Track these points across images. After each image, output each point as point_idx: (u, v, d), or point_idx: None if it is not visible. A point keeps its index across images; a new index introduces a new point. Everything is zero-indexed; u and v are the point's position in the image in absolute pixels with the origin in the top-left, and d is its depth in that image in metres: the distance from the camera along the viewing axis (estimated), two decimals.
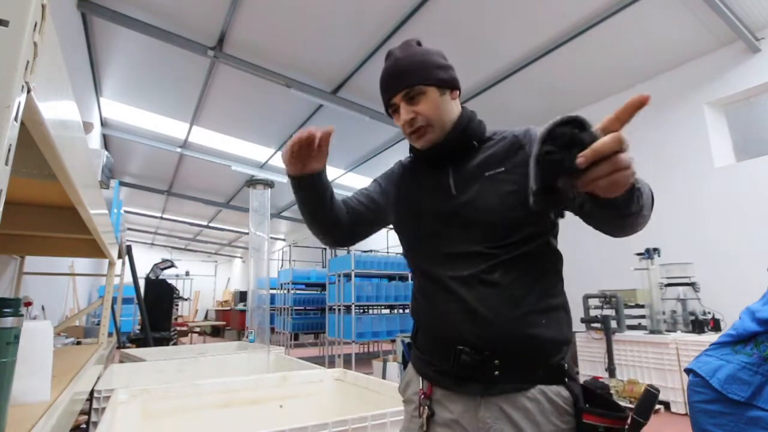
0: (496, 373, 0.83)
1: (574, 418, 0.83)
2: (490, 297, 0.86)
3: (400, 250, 1.28)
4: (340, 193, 1.02)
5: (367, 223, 1.07)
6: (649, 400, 0.86)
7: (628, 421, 0.81)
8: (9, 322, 0.73)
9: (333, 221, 1.00)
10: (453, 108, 0.98)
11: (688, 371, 1.31)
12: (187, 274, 14.67)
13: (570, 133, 0.60)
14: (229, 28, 4.46)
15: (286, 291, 8.73)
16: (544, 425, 0.81)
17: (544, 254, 0.92)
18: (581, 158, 0.58)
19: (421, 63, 0.95)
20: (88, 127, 2.85)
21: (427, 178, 1.03)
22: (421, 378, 0.96)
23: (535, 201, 0.66)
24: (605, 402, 0.86)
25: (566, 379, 0.85)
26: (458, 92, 0.99)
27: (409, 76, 0.93)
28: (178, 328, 9.04)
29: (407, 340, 1.10)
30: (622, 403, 3.79)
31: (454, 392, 0.89)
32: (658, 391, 0.87)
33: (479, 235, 0.90)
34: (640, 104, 0.59)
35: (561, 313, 0.90)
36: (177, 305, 9.44)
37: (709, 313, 4.12)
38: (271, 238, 8.99)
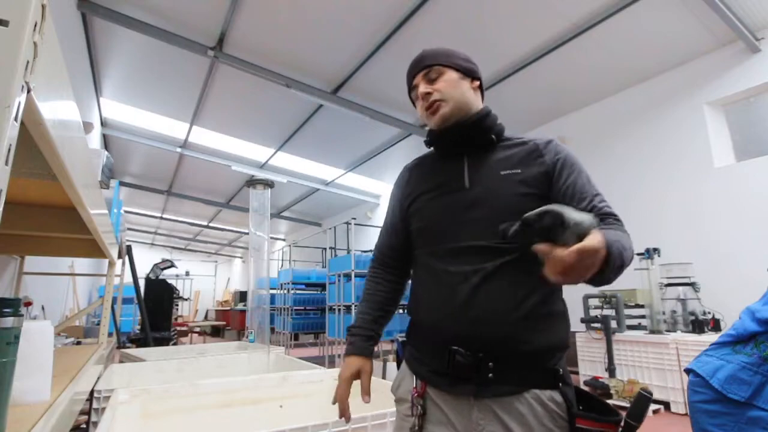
0: (490, 375, 0.83)
1: (567, 423, 0.82)
2: (489, 297, 0.85)
3: None
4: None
5: (410, 250, 1.10)
6: (643, 404, 0.85)
7: (622, 424, 0.81)
8: (9, 322, 0.73)
9: (400, 294, 1.17)
10: (473, 96, 1.02)
11: (688, 371, 1.31)
12: (187, 274, 14.67)
13: (568, 227, 0.67)
14: (229, 28, 4.46)
15: (286, 291, 8.72)
16: (536, 429, 0.81)
17: None
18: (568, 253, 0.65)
19: (444, 51, 1.04)
20: (88, 127, 2.85)
21: (440, 170, 1.03)
22: (414, 376, 0.96)
23: (512, 226, 0.76)
24: (601, 406, 0.85)
25: (560, 384, 0.85)
26: (479, 83, 1.04)
27: (431, 57, 1.02)
28: (178, 328, 9.03)
29: (402, 338, 1.11)
30: (622, 403, 3.80)
31: (447, 392, 0.88)
32: (651, 395, 0.86)
33: (488, 230, 0.89)
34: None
35: (560, 322, 0.90)
36: (177, 305, 9.44)
37: (709, 313, 4.12)
38: (271, 238, 8.99)
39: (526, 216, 0.69)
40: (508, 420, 0.81)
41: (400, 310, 7.35)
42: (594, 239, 0.65)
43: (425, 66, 1.01)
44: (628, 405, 3.94)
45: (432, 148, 1.09)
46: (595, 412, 0.83)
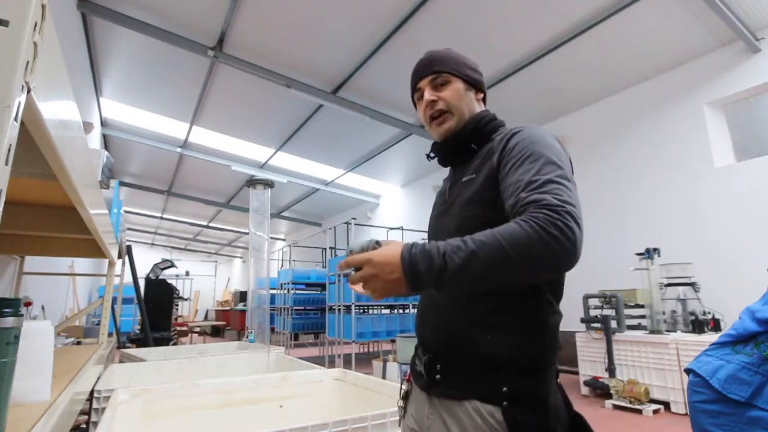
0: (437, 376, 0.87)
1: None
2: (440, 301, 0.90)
3: None
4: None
5: None
6: None
7: None
8: (9, 322, 0.73)
9: None
10: (477, 108, 1.01)
11: (688, 371, 1.31)
12: (187, 274, 14.67)
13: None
14: (229, 28, 4.46)
15: (286, 291, 8.73)
16: None
17: None
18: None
19: (454, 58, 1.00)
20: (88, 127, 2.85)
21: (443, 186, 1.09)
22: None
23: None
24: None
25: (505, 403, 0.78)
26: (483, 95, 1.03)
27: (440, 63, 0.99)
28: (178, 328, 9.04)
29: None
30: (622, 403, 3.80)
31: (415, 384, 0.97)
32: None
33: (448, 237, 0.89)
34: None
35: (524, 333, 0.82)
36: (177, 305, 9.44)
37: (709, 313, 4.12)
38: (271, 238, 8.99)
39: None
40: (450, 422, 0.83)
41: (401, 310, 7.35)
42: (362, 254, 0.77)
43: (434, 71, 0.98)
44: (628, 405, 3.95)
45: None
46: None
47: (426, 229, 1.14)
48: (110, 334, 3.01)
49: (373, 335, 6.34)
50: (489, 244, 0.68)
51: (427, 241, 1.07)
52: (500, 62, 5.07)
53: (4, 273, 2.57)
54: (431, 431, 0.87)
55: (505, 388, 0.79)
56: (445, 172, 1.16)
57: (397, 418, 1.54)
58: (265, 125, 6.87)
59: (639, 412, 3.73)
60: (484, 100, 1.04)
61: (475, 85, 1.01)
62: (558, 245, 0.66)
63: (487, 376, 0.81)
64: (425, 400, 0.91)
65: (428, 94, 0.97)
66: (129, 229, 13.47)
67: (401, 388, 1.05)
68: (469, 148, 0.97)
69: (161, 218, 13.27)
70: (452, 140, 0.99)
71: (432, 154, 1.08)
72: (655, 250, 4.39)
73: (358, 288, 0.78)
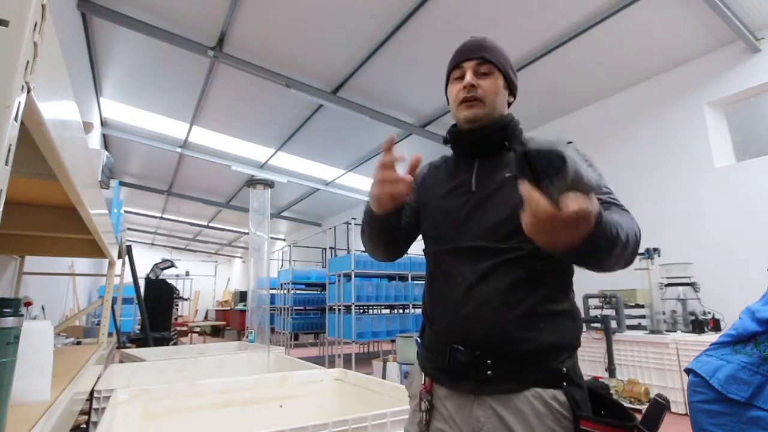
0: (489, 372, 0.84)
1: (572, 424, 0.81)
2: (486, 296, 0.87)
3: None
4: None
5: (413, 229, 1.09)
6: (657, 411, 0.83)
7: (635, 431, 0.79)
8: (9, 322, 0.73)
9: (393, 249, 1.08)
10: (505, 106, 1.04)
11: (688, 371, 1.32)
12: (187, 274, 14.67)
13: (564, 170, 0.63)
14: (229, 28, 4.46)
15: (286, 291, 8.73)
16: (537, 428, 0.80)
17: (551, 261, 0.88)
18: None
19: (503, 53, 1.03)
20: (88, 127, 2.85)
21: (453, 174, 1.04)
22: (423, 374, 0.98)
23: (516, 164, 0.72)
24: (618, 409, 0.84)
25: (565, 384, 0.83)
26: (514, 99, 1.07)
27: (490, 52, 1.00)
28: (178, 328, 9.05)
29: (418, 337, 1.12)
30: (622, 403, 3.81)
31: (450, 389, 0.90)
32: (667, 402, 0.84)
33: (488, 232, 0.90)
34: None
35: (565, 320, 0.88)
36: (177, 305, 9.44)
37: (709, 313, 4.12)
38: (271, 238, 8.99)
39: (529, 148, 0.67)
40: (509, 418, 0.81)
41: (401, 310, 7.35)
42: (589, 203, 0.63)
43: (482, 57, 0.99)
44: (628, 405, 3.95)
45: (449, 146, 1.08)
46: (613, 417, 0.81)
47: None
48: (110, 334, 3.01)
49: (373, 335, 6.34)
50: (622, 225, 0.77)
51: (431, 225, 1.01)
52: None
53: (4, 273, 2.57)
54: None
55: (565, 369, 0.84)
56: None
57: (398, 418, 1.52)
58: (265, 125, 6.87)
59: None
60: (509, 104, 1.06)
61: (512, 87, 1.05)
62: (637, 249, 0.82)
63: (545, 363, 0.84)
64: (470, 403, 0.86)
65: (470, 77, 0.97)
66: (129, 229, 13.48)
67: (421, 401, 0.95)
68: (500, 144, 0.99)
69: (161, 218, 13.26)
70: (480, 130, 0.98)
71: (448, 138, 1.05)
72: (655, 250, 4.39)
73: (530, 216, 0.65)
